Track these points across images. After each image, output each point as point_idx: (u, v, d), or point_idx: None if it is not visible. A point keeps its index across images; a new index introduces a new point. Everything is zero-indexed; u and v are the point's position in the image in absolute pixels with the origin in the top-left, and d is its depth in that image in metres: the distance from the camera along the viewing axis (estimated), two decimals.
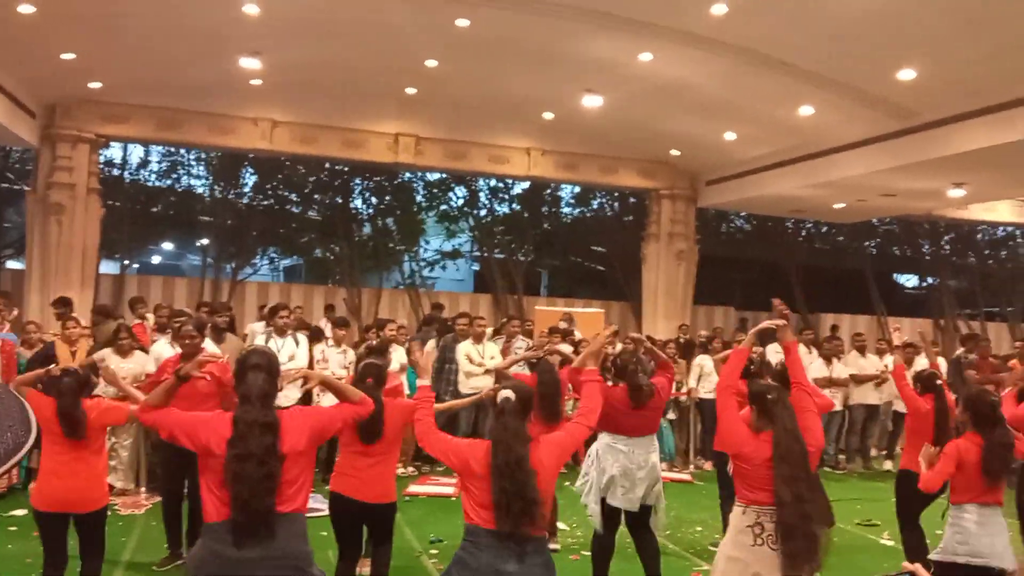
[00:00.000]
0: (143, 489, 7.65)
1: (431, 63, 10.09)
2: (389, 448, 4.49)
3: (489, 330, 9.79)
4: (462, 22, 8.66)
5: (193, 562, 3.06)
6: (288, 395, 7.66)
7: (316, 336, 8.73)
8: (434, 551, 6.16)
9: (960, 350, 11.35)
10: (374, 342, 7.10)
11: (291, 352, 7.76)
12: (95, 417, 4.27)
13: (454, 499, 7.60)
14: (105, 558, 4.53)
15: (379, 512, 4.46)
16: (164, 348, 7.00)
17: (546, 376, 5.74)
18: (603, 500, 5.06)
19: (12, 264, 15.05)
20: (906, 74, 8.70)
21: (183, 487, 5.58)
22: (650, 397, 5.02)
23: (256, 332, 8.90)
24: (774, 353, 10.10)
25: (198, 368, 3.33)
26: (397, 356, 8.34)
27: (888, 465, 10.32)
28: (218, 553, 2.93)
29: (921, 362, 10.69)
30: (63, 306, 8.60)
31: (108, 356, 7.30)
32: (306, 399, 8.11)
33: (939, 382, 5.53)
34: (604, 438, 5.13)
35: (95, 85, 10.88)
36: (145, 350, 7.52)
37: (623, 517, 5.15)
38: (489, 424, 9.40)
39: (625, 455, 5.03)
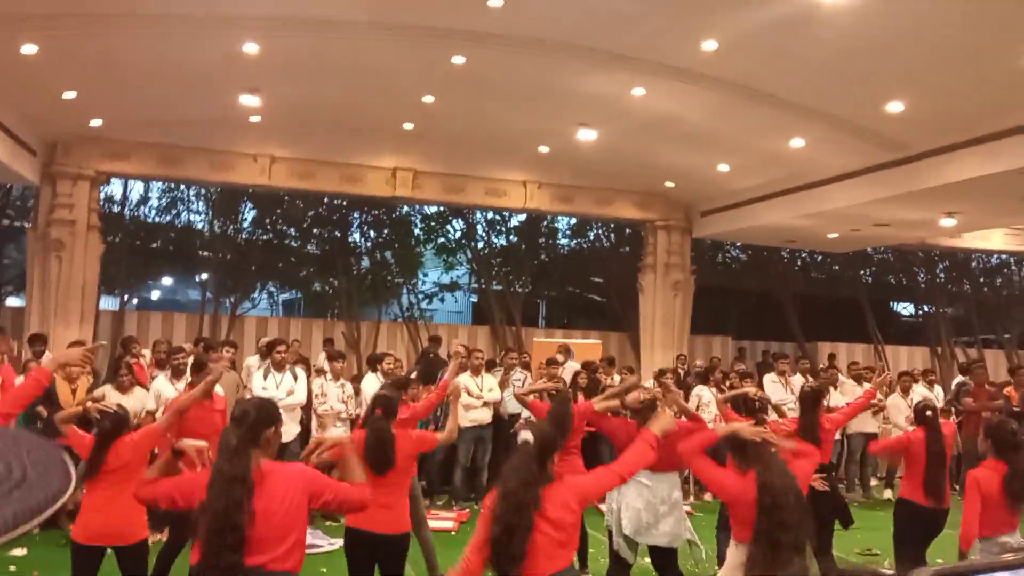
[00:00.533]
0: None
1: (428, 99, 10.24)
2: (401, 478, 4.55)
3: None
4: (458, 59, 8.82)
5: None
6: (287, 429, 7.70)
7: (320, 373, 8.78)
8: None
9: (960, 377, 11.43)
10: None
11: (290, 387, 7.79)
12: (130, 453, 4.38)
13: (454, 534, 7.59)
14: None
15: (393, 543, 4.47)
16: (164, 385, 7.04)
17: (556, 408, 5.79)
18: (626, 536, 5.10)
19: (12, 301, 15.11)
20: (895, 106, 8.84)
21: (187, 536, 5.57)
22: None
23: (252, 367, 8.92)
24: (771, 383, 10.20)
25: (194, 451, 3.33)
26: None
27: (888, 494, 10.31)
28: None
29: (919, 390, 10.76)
30: (41, 344, 8.65)
31: (109, 392, 7.34)
32: (305, 431, 8.15)
33: (929, 413, 5.61)
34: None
35: (96, 123, 11.02)
36: (145, 387, 7.55)
37: (649, 554, 5.18)
38: (486, 458, 9.45)
39: (649, 489, 5.07)
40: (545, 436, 3.29)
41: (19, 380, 7.61)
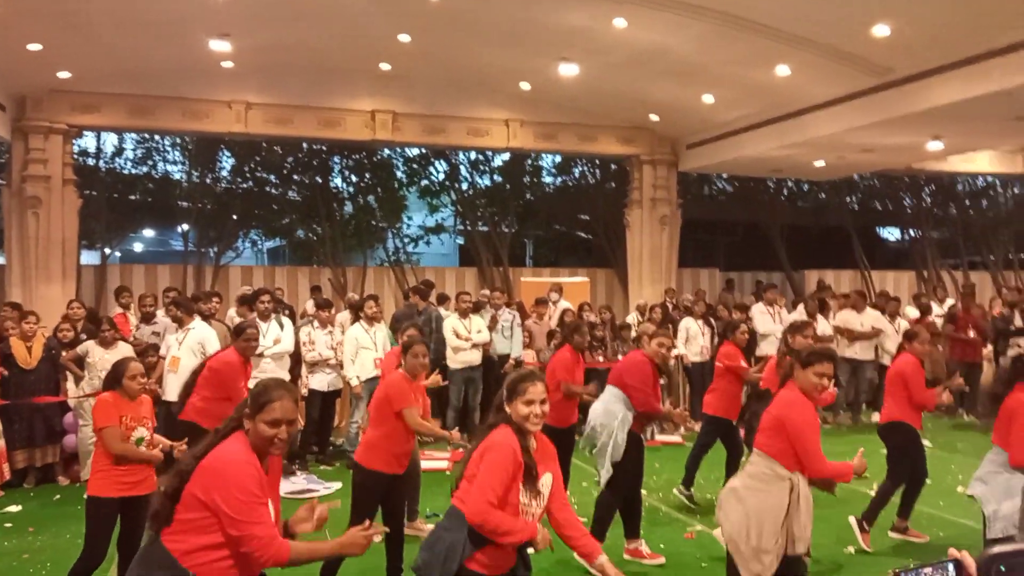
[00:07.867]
0: None
1: (404, 38, 9.99)
2: None
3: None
4: None
5: None
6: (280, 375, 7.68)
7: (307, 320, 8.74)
8: (430, 526, 6.20)
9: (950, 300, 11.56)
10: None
11: (276, 336, 7.74)
12: None
13: (448, 473, 7.65)
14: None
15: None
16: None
17: None
18: None
19: None
20: (880, 30, 8.67)
21: None
22: None
23: (234, 320, 8.85)
24: (760, 313, 10.24)
25: None
26: (380, 335, 8.34)
27: (876, 417, 10.42)
28: None
29: (910, 312, 10.85)
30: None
31: (92, 348, 7.30)
32: (294, 380, 8.13)
33: None
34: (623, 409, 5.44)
35: (64, 75, 10.72)
36: (128, 341, 7.49)
37: None
38: (478, 398, 9.48)
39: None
40: None
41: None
